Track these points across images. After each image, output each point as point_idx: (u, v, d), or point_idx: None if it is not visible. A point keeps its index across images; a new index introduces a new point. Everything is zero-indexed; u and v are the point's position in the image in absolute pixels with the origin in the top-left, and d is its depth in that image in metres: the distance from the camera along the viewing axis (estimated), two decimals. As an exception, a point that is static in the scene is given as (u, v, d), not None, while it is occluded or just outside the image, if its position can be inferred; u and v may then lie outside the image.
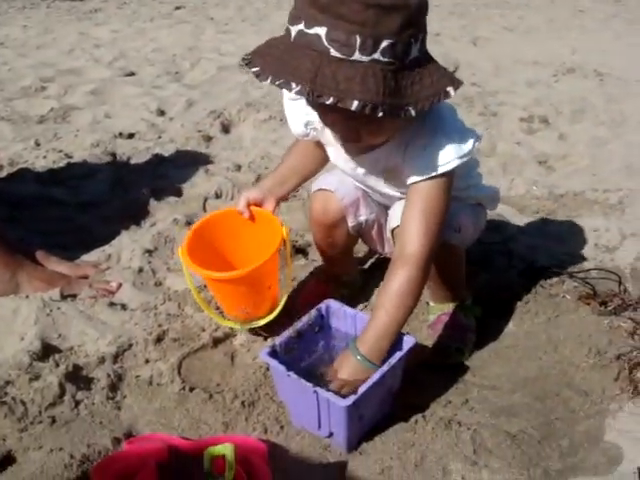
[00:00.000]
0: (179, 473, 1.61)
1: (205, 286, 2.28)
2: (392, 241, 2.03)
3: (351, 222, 2.12)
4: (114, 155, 3.59)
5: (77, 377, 1.92)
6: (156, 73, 5.26)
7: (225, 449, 1.46)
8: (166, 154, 3.63)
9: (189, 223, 2.81)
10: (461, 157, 1.72)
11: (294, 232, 2.72)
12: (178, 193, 3.18)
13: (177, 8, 8.25)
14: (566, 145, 3.94)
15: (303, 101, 1.91)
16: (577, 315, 2.28)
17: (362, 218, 2.13)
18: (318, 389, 1.61)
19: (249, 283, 1.98)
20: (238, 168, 3.47)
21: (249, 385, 1.93)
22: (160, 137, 3.92)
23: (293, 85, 1.44)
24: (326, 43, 1.43)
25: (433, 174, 1.73)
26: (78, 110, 4.33)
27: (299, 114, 1.98)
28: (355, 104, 1.42)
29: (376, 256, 2.57)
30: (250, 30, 6.96)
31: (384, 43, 1.43)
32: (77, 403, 1.84)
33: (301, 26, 1.46)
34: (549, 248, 2.74)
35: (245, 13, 8.00)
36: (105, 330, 2.13)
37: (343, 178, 2.08)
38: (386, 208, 2.10)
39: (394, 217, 1.96)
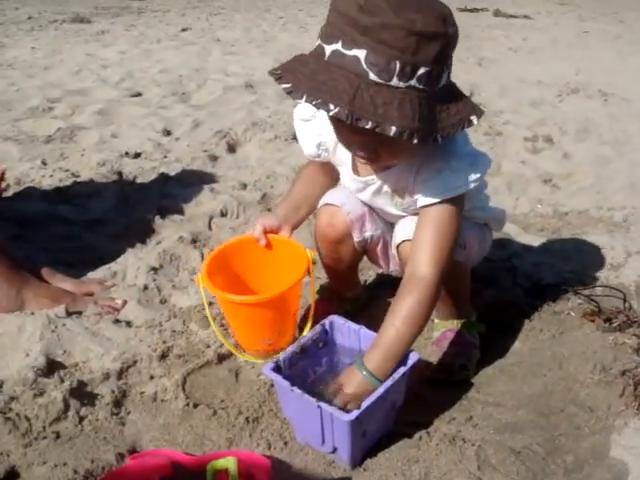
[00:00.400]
0: (183, 488, 1.60)
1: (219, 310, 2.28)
2: (397, 257, 2.04)
3: (357, 237, 2.12)
4: (120, 174, 3.60)
5: (81, 393, 1.92)
6: (162, 94, 5.30)
7: (228, 462, 1.46)
8: (172, 173, 3.64)
9: (194, 241, 2.82)
10: (474, 181, 1.75)
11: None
12: (183, 211, 3.19)
13: (184, 30, 8.33)
14: (570, 164, 3.96)
15: (315, 122, 1.93)
16: (582, 332, 2.28)
17: (368, 234, 2.13)
18: (322, 404, 1.60)
19: (277, 307, 1.99)
20: (244, 187, 3.48)
21: (253, 401, 1.93)
22: (166, 157, 3.94)
23: (331, 106, 1.44)
24: (365, 66, 1.44)
25: (446, 197, 1.75)
26: (85, 130, 4.35)
27: (311, 135, 1.99)
28: (393, 130, 1.44)
29: (379, 273, 2.57)
30: (256, 51, 7.03)
31: (421, 70, 1.46)
32: (81, 419, 1.84)
33: (337, 46, 1.47)
34: (554, 266, 2.74)
35: (251, 35, 8.07)
36: (110, 346, 2.13)
37: (349, 193, 2.09)
38: (391, 225, 2.10)
39: (400, 233, 1.97)
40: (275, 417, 1.87)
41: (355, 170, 1.94)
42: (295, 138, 4.16)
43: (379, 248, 2.18)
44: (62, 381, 1.94)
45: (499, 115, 4.84)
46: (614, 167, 3.89)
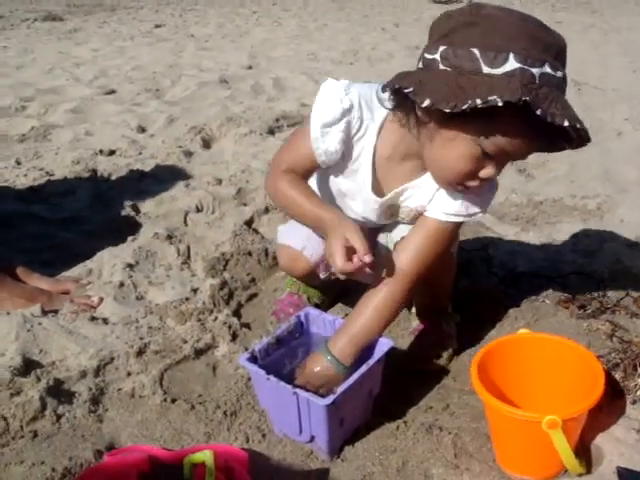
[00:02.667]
0: (161, 483, 1.60)
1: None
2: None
3: (322, 275, 2.14)
4: (95, 172, 3.58)
5: (58, 391, 1.91)
6: (136, 91, 5.28)
7: (204, 456, 1.46)
8: (147, 169, 3.63)
9: (170, 237, 2.80)
10: (486, 209, 1.83)
11: (273, 243, 2.71)
12: (159, 208, 3.17)
13: (157, 26, 8.29)
14: (544, 153, 3.97)
15: (337, 128, 1.71)
16: (556, 319, 2.29)
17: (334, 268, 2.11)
18: (298, 390, 1.61)
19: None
20: (219, 182, 3.47)
21: (231, 395, 1.93)
22: (141, 153, 3.92)
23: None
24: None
25: (460, 220, 1.79)
26: (59, 128, 4.34)
27: (333, 140, 1.73)
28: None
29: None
30: (230, 47, 7.01)
31: None
32: (59, 417, 1.83)
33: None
34: (528, 254, 2.77)
35: (225, 30, 8.05)
36: (86, 344, 2.12)
37: (309, 231, 1.99)
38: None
39: (398, 232, 1.94)
40: (253, 410, 1.87)
41: (376, 189, 1.82)
42: (270, 132, 4.18)
43: None
44: (39, 380, 1.92)
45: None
46: (588, 156, 3.91)
